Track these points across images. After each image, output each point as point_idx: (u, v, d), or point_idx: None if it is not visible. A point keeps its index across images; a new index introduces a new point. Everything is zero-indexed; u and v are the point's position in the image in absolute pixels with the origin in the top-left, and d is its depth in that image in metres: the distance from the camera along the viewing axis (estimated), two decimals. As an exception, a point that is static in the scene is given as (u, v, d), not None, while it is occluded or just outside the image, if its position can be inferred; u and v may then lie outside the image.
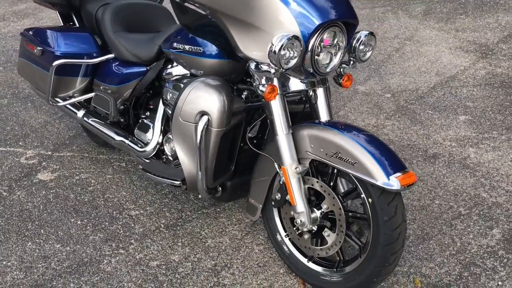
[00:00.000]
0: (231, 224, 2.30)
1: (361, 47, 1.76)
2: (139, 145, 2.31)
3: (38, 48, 2.47)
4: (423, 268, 2.01)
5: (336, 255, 1.84)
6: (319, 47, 1.64)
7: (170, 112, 2.04)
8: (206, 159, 1.82)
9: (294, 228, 1.89)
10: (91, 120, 2.57)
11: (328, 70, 1.72)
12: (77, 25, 2.67)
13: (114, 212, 2.42)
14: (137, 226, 2.31)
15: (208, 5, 1.65)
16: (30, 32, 2.60)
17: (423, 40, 4.50)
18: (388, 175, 1.56)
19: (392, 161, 1.61)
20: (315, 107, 1.85)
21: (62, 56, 2.39)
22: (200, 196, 1.95)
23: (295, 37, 1.55)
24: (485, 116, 3.17)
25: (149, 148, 2.25)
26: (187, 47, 1.92)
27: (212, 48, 1.87)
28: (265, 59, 1.61)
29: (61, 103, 2.57)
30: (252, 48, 1.65)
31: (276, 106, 1.73)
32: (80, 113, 2.60)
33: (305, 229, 1.80)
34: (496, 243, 2.13)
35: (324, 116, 1.84)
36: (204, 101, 1.77)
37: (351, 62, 1.81)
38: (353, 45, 1.75)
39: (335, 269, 1.84)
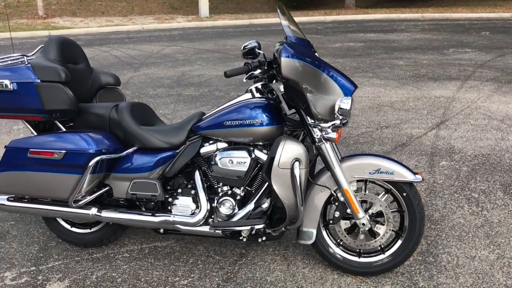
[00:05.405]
0: (271, 263, 2.80)
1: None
2: (188, 217, 2.63)
3: (60, 151, 2.53)
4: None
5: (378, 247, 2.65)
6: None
7: (226, 176, 2.53)
8: (301, 194, 2.42)
9: (350, 235, 2.63)
10: (111, 214, 2.70)
11: (349, 119, 2.61)
12: (64, 129, 2.78)
13: (167, 287, 2.60)
14: (200, 289, 2.58)
15: (297, 81, 2.38)
16: (31, 141, 2.61)
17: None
18: (414, 174, 2.53)
19: (407, 168, 2.58)
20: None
21: (97, 153, 2.54)
22: (295, 226, 2.49)
23: (351, 100, 2.41)
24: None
25: (200, 216, 2.60)
26: (247, 121, 2.51)
27: (265, 119, 2.52)
28: (326, 116, 2.41)
29: (83, 201, 2.63)
30: (320, 110, 2.41)
31: (331, 147, 2.51)
32: (93, 211, 2.70)
33: (366, 229, 2.56)
34: None
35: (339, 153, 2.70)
36: (296, 151, 2.40)
37: None
38: None
39: (383, 254, 2.64)
